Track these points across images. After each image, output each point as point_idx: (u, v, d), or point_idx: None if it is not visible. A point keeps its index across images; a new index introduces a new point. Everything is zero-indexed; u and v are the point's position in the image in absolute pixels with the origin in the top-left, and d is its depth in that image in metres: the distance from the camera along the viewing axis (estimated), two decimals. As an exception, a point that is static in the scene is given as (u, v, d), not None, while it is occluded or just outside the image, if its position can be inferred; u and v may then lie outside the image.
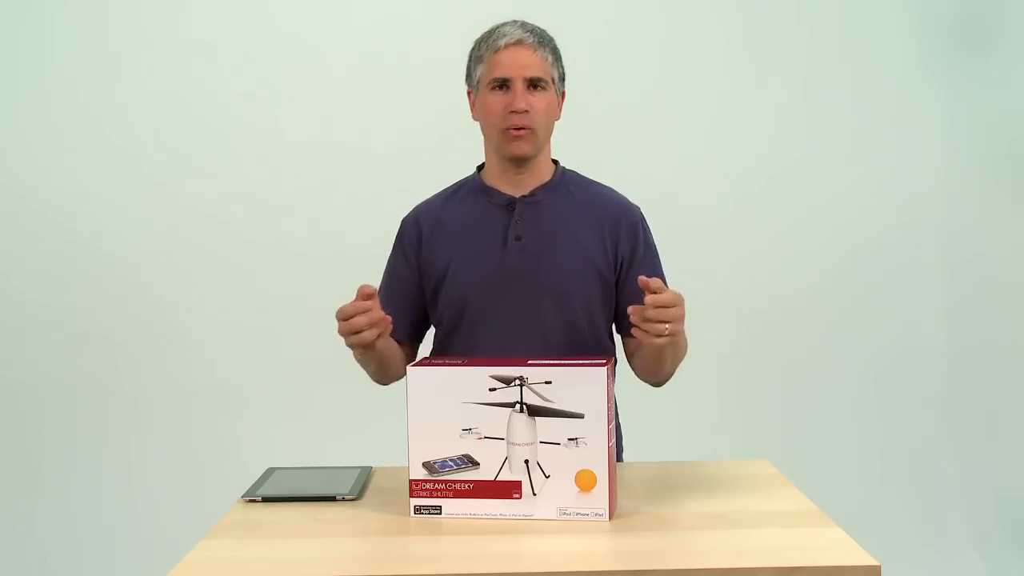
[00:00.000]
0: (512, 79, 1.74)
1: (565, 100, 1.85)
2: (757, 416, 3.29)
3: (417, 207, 1.91)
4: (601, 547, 1.34)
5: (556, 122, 1.83)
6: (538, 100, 1.75)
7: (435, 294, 1.85)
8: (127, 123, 3.20)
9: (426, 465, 1.45)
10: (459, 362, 1.48)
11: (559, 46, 1.81)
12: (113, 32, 3.18)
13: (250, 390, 3.21)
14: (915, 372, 3.35)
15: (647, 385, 1.87)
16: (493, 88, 1.76)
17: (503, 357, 1.51)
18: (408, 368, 1.46)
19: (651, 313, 1.49)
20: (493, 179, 1.85)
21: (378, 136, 3.21)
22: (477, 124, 1.84)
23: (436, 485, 1.45)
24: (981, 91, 3.31)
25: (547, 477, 1.43)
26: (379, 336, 1.58)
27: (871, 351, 3.34)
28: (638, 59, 3.26)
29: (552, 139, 1.85)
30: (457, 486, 1.45)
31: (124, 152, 3.20)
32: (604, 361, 1.44)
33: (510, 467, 1.43)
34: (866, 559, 1.26)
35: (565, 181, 1.87)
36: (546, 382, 1.41)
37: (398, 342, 1.84)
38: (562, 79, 1.82)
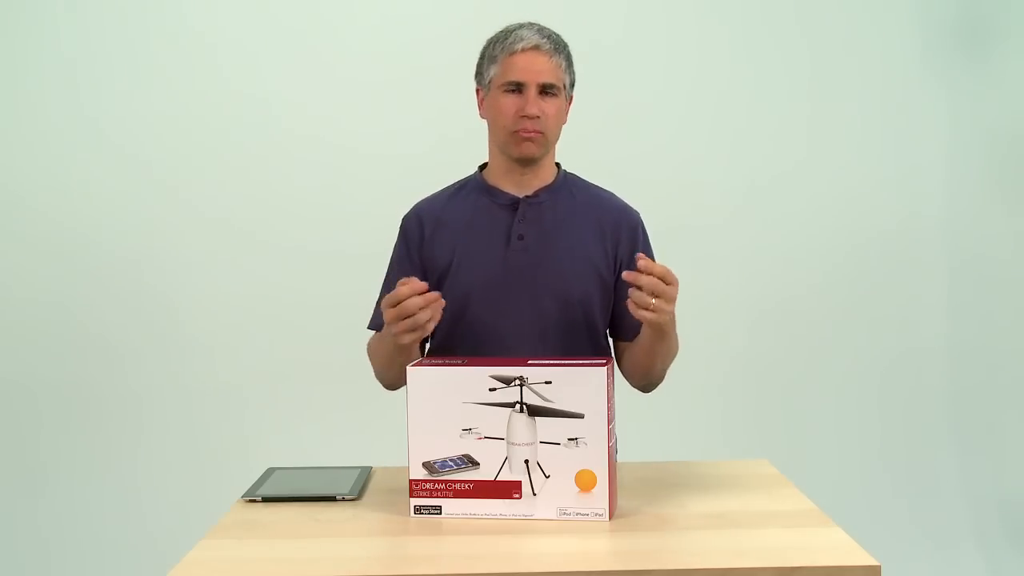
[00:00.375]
0: (526, 84, 1.74)
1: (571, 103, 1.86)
2: (757, 416, 3.29)
3: (419, 204, 1.91)
4: (601, 547, 1.34)
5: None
6: (549, 105, 1.76)
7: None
8: (127, 122, 3.19)
9: (426, 465, 1.46)
10: (459, 362, 1.48)
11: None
12: (113, 31, 3.18)
13: (251, 390, 3.21)
14: (915, 372, 3.35)
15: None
16: (506, 90, 1.76)
17: (503, 357, 1.50)
18: (408, 368, 1.46)
19: (643, 280, 1.48)
20: (496, 178, 1.85)
21: (380, 136, 3.21)
22: (480, 125, 1.84)
23: (436, 485, 1.45)
24: (981, 91, 3.31)
25: (547, 477, 1.43)
26: (431, 320, 1.53)
27: (871, 351, 3.34)
28: (639, 59, 3.26)
29: (554, 141, 1.85)
30: (457, 486, 1.45)
31: (124, 151, 3.20)
32: (604, 361, 1.44)
33: (510, 467, 1.43)
34: (866, 559, 1.26)
35: (567, 183, 1.87)
36: (546, 382, 1.41)
37: None
38: (572, 85, 1.83)
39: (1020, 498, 3.27)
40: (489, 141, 1.85)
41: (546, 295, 1.79)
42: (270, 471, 1.73)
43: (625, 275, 1.50)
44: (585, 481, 1.42)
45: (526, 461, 1.43)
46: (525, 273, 1.79)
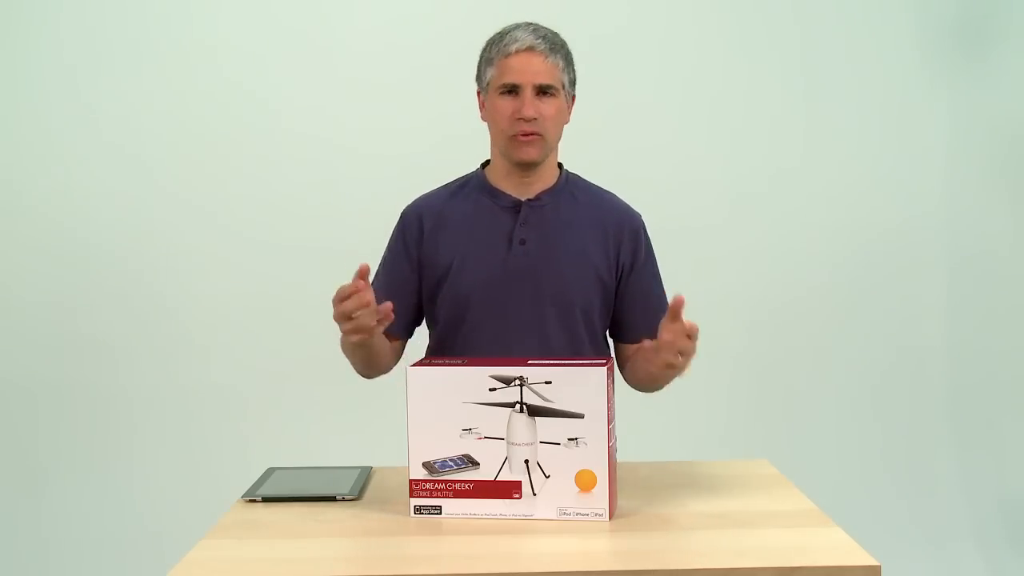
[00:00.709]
0: (522, 85, 1.73)
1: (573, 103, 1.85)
2: (757, 416, 3.29)
3: (419, 199, 1.90)
4: (601, 547, 1.34)
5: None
6: (547, 106, 1.74)
7: (435, 292, 1.84)
8: (126, 122, 3.19)
9: (426, 465, 1.45)
10: (459, 362, 1.48)
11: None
12: (113, 30, 3.18)
13: (250, 390, 3.21)
14: (915, 372, 3.35)
15: (646, 386, 1.87)
16: (502, 93, 1.75)
17: (503, 357, 1.51)
18: (408, 368, 1.46)
19: (671, 339, 1.51)
20: (498, 179, 1.84)
21: (381, 136, 3.20)
22: (482, 124, 1.84)
23: (436, 485, 1.45)
24: (981, 91, 3.31)
25: (547, 477, 1.43)
26: (378, 323, 1.55)
27: (871, 351, 3.34)
28: (638, 59, 3.26)
29: (555, 141, 1.85)
30: (457, 486, 1.45)
31: (123, 152, 3.20)
32: (604, 361, 1.44)
33: (510, 467, 1.43)
34: (866, 559, 1.26)
35: (569, 185, 1.87)
36: (546, 382, 1.41)
37: (388, 336, 1.81)
38: (572, 84, 1.81)
39: (1020, 498, 3.27)
40: (491, 143, 1.85)
41: (546, 299, 1.79)
42: (270, 471, 1.73)
43: (659, 338, 1.53)
44: (585, 481, 1.42)
45: (526, 461, 1.43)
46: (526, 276, 1.79)
